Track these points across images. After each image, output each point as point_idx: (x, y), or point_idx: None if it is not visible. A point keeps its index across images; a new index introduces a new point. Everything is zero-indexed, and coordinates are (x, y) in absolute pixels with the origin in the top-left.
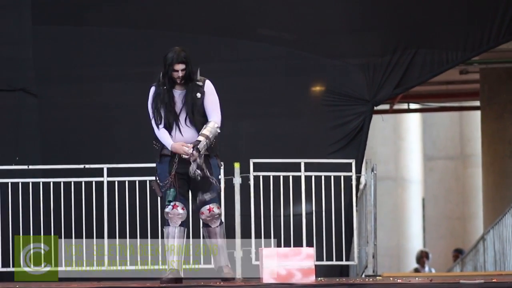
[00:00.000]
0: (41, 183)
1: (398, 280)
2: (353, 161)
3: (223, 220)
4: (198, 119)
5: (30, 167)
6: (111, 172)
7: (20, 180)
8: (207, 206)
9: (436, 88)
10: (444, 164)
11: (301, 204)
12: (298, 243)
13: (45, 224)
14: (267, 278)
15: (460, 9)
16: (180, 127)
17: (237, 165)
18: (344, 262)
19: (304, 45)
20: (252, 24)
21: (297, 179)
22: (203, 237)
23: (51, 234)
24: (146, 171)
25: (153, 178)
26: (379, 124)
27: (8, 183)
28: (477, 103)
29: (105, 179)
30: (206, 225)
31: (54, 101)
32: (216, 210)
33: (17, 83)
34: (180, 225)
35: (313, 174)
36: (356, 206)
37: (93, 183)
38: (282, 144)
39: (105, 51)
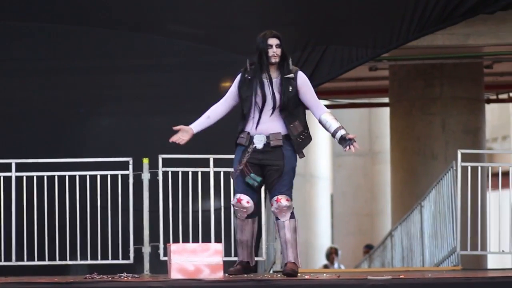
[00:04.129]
0: None
1: (306, 276)
2: None
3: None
4: (287, 112)
5: None
6: (20, 167)
7: None
8: (275, 197)
9: (346, 84)
10: (353, 160)
11: (210, 200)
12: (207, 239)
13: None
14: (174, 274)
15: (370, 6)
16: (261, 118)
17: (145, 161)
18: None
19: (214, 41)
20: (163, 19)
21: (206, 175)
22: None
23: None
24: (55, 166)
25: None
26: None
27: None
28: (386, 100)
29: (13, 174)
30: (276, 218)
31: None
32: (283, 202)
33: None
34: (248, 217)
35: (222, 170)
36: (265, 201)
37: (1, 178)
38: (194, 139)
39: (13, 46)
